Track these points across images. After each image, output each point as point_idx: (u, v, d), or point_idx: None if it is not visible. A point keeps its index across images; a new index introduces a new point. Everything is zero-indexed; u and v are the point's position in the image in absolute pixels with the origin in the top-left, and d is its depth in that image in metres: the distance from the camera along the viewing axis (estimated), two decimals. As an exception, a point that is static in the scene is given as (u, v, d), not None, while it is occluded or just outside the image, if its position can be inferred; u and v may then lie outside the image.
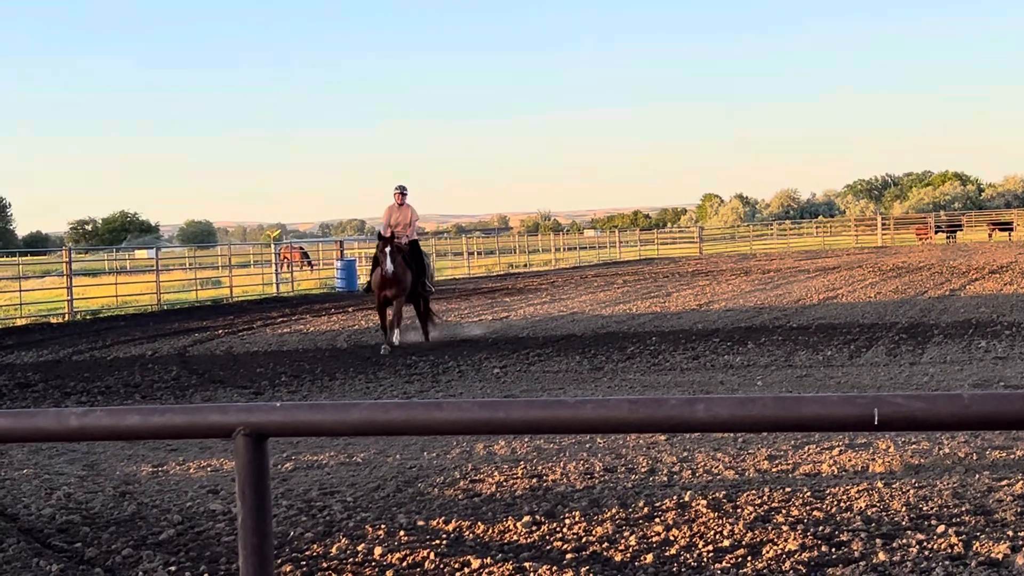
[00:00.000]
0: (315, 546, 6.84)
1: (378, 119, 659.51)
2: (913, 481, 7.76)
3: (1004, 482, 7.58)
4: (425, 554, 6.54)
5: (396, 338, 19.59)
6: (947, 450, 8.71)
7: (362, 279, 39.55)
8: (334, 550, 6.73)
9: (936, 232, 73.53)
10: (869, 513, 6.98)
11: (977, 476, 7.82)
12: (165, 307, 33.78)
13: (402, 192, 20.29)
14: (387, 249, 19.35)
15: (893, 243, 73.00)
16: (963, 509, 6.95)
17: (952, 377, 13.14)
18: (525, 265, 61.62)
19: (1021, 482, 7.53)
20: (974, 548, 6.16)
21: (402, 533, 6.99)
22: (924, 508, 7.03)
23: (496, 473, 8.69)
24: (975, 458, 8.43)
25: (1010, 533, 6.38)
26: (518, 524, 7.11)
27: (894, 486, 7.62)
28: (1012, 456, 8.43)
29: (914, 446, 8.91)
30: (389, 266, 19.18)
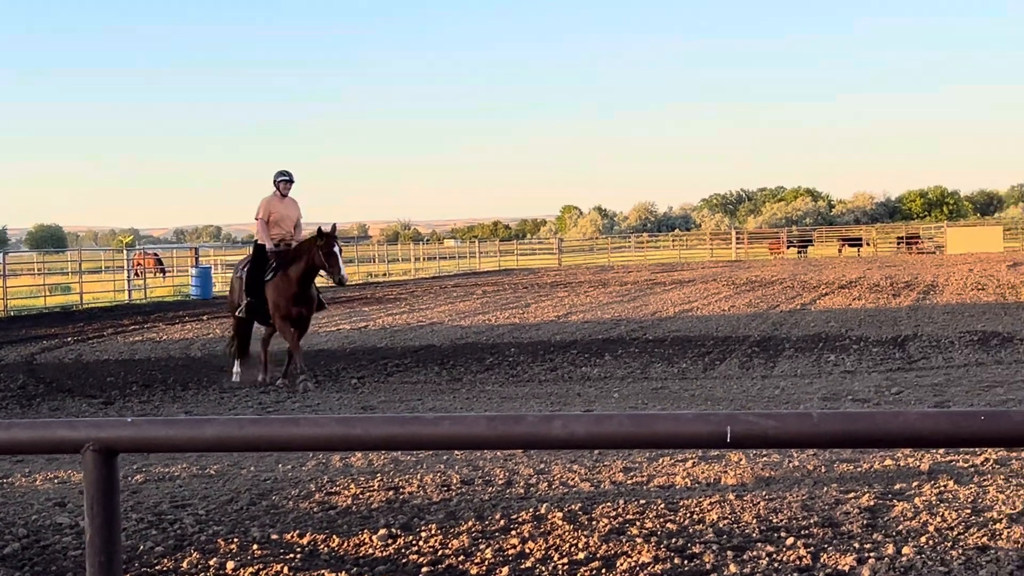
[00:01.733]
0: (166, 561, 6.70)
1: (241, 124, 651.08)
2: (764, 493, 7.90)
3: (851, 494, 7.76)
4: (279, 568, 6.46)
5: (270, 375, 16.16)
6: (797, 463, 8.89)
7: (220, 288, 38.84)
8: (185, 565, 6.60)
9: (788, 247, 75.21)
10: (721, 525, 7.09)
11: (825, 488, 8.00)
12: (12, 313, 32.86)
13: (288, 181, 16.20)
14: (336, 248, 15.43)
15: (747, 257, 74.45)
16: (812, 521, 7.10)
17: (802, 391, 13.43)
18: (384, 274, 61.44)
19: (867, 495, 7.72)
20: (822, 560, 6.29)
21: (255, 547, 6.88)
22: (774, 520, 7.16)
23: (352, 485, 8.62)
24: (823, 471, 8.62)
25: (856, 545, 6.53)
26: (374, 537, 7.05)
27: (745, 498, 7.75)
28: (859, 469, 8.64)
29: (765, 459, 9.08)
30: (344, 274, 15.44)
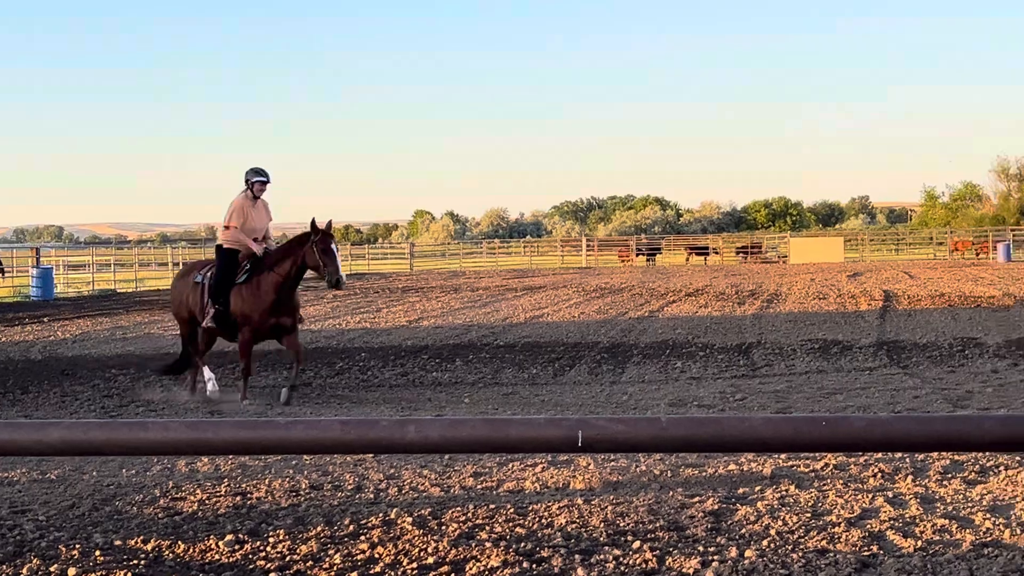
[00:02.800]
0: (5, 567, 6.51)
1: (74, 125, 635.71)
2: (612, 498, 8.01)
3: (696, 499, 7.91)
4: (122, 575, 6.33)
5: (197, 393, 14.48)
6: (644, 468, 9.03)
7: (62, 290, 37.79)
8: (25, 571, 6.42)
9: (637, 255, 76.20)
10: (569, 529, 7.16)
11: (671, 493, 8.13)
12: None
13: (265, 181, 14.23)
14: (334, 246, 13.91)
15: (597, 264, 75.23)
16: (658, 525, 7.22)
17: (650, 396, 13.64)
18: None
19: (712, 499, 7.88)
20: (667, 563, 6.40)
21: (98, 553, 6.73)
22: (621, 524, 7.26)
23: (198, 491, 8.49)
24: (670, 475, 8.77)
25: (701, 548, 6.66)
26: (220, 543, 6.96)
27: (594, 503, 7.85)
28: (704, 474, 8.81)
29: (613, 463, 9.20)
30: (342, 274, 13.83)
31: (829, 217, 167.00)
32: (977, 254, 71.93)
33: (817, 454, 9.04)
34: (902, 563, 6.31)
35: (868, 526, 7.08)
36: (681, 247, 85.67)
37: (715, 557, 6.47)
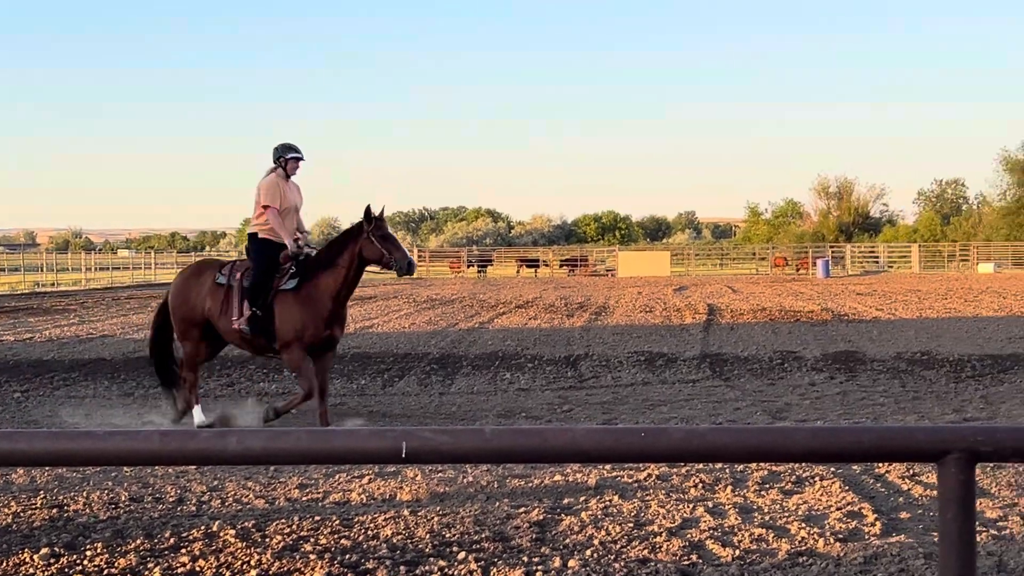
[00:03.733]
0: None
1: None
2: (438, 509, 8.02)
3: (522, 509, 7.98)
4: (-71, 592, 6.10)
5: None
6: (471, 478, 9.06)
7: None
8: None
9: (469, 266, 76.47)
10: (395, 541, 7.15)
11: (498, 503, 8.19)
12: None
13: (300, 158, 12.50)
14: (390, 229, 12.49)
15: (428, 275, 75.22)
16: (483, 536, 7.25)
17: (479, 407, 13.69)
18: (53, 284, 58.81)
19: (538, 509, 7.95)
20: (492, 574, 6.44)
21: (-97, 570, 6.48)
22: (447, 535, 7.27)
23: (13, 503, 8.23)
24: (496, 486, 8.82)
25: (525, 559, 6.72)
26: (35, 557, 6.76)
27: (420, 514, 7.85)
28: (531, 484, 8.88)
29: (440, 474, 9.21)
30: (412, 257, 12.62)
31: (657, 231, 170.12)
32: (797, 269, 74.06)
33: (641, 465, 9.20)
34: (720, 572, 6.47)
35: (688, 536, 7.23)
36: (512, 259, 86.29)
37: (539, 567, 6.54)
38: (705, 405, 13.68)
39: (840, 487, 8.63)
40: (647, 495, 8.47)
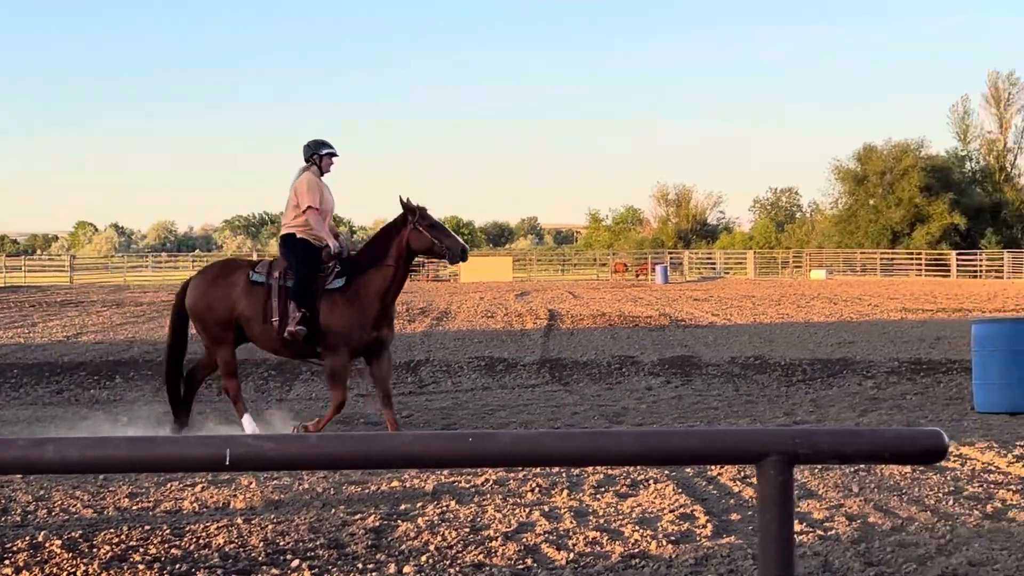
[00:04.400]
0: None
1: None
2: (273, 516, 7.92)
3: (358, 516, 7.92)
4: None
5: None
6: (307, 485, 8.97)
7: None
8: None
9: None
10: (227, 549, 7.04)
11: (333, 510, 8.12)
12: None
13: (336, 155, 12.08)
14: (433, 221, 11.85)
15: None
16: (318, 543, 7.18)
17: (318, 413, 13.53)
18: None
19: (374, 515, 7.91)
20: (326, 581, 6.37)
21: None
22: (281, 543, 7.18)
23: None
24: (333, 493, 8.74)
25: (360, 565, 6.67)
26: None
27: (254, 522, 7.74)
28: (367, 490, 8.83)
29: (276, 481, 9.09)
30: (463, 243, 11.98)
31: (499, 237, 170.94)
32: (637, 275, 75.13)
33: (479, 469, 9.21)
34: (554, 575, 6.51)
35: (524, 540, 7.27)
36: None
37: (374, 574, 6.50)
38: (543, 410, 13.78)
39: (673, 490, 8.77)
40: (484, 500, 8.49)
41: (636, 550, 7.04)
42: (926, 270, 78.98)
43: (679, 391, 15.39)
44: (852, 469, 9.28)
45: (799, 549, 6.90)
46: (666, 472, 9.34)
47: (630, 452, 2.85)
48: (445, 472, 9.26)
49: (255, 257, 77.63)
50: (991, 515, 7.95)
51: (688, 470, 9.40)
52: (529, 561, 6.79)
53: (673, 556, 6.88)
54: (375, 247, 11.80)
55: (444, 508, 8.21)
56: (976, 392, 13.38)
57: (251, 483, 9.01)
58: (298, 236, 11.72)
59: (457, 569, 6.62)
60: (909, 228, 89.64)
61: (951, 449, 10.36)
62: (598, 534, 7.42)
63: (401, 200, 11.64)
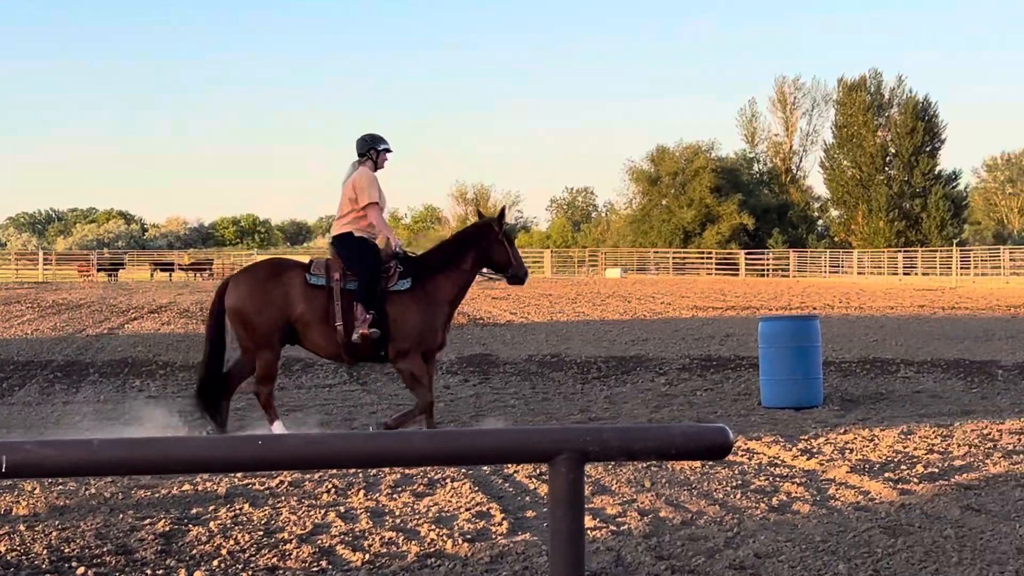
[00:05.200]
0: None
1: None
2: (58, 523, 7.66)
3: (147, 521, 7.72)
4: None
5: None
6: (94, 490, 8.70)
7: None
8: None
9: (99, 270, 73.57)
10: (9, 558, 6.77)
11: (122, 516, 7.89)
12: None
13: (391, 151, 11.89)
14: (511, 237, 12.03)
15: (55, 279, 71.96)
16: (105, 549, 6.97)
17: (105, 416, 13.14)
18: None
19: (164, 520, 7.72)
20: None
21: None
22: (66, 550, 6.95)
23: None
24: (121, 498, 8.50)
25: (149, 571, 6.50)
26: None
27: (37, 528, 7.47)
28: (157, 495, 8.61)
29: (61, 487, 8.80)
30: (526, 266, 12.07)
31: (298, 235, 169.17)
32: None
33: (274, 472, 9.08)
34: (349, 576, 6.46)
35: (319, 542, 7.19)
36: (146, 263, 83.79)
37: (164, 580, 6.34)
38: (340, 410, 13.67)
39: (470, 488, 8.80)
40: (279, 502, 8.37)
41: (432, 549, 7.04)
42: (716, 269, 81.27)
43: (477, 389, 15.47)
44: (644, 465, 9.46)
45: (592, 545, 7.00)
46: (463, 471, 9.36)
47: (420, 452, 2.83)
48: (238, 475, 9.10)
49: (40, 255, 74.95)
50: (776, 508, 8.21)
51: (485, 468, 9.44)
52: (324, 563, 6.72)
53: (469, 554, 6.90)
54: (449, 251, 11.64)
55: (237, 511, 8.07)
56: (763, 388, 13.81)
57: (35, 488, 8.69)
58: (357, 235, 11.37)
59: (250, 573, 6.50)
60: (700, 228, 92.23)
61: (739, 444, 10.67)
62: (394, 534, 7.39)
63: (502, 211, 11.93)
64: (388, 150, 11.72)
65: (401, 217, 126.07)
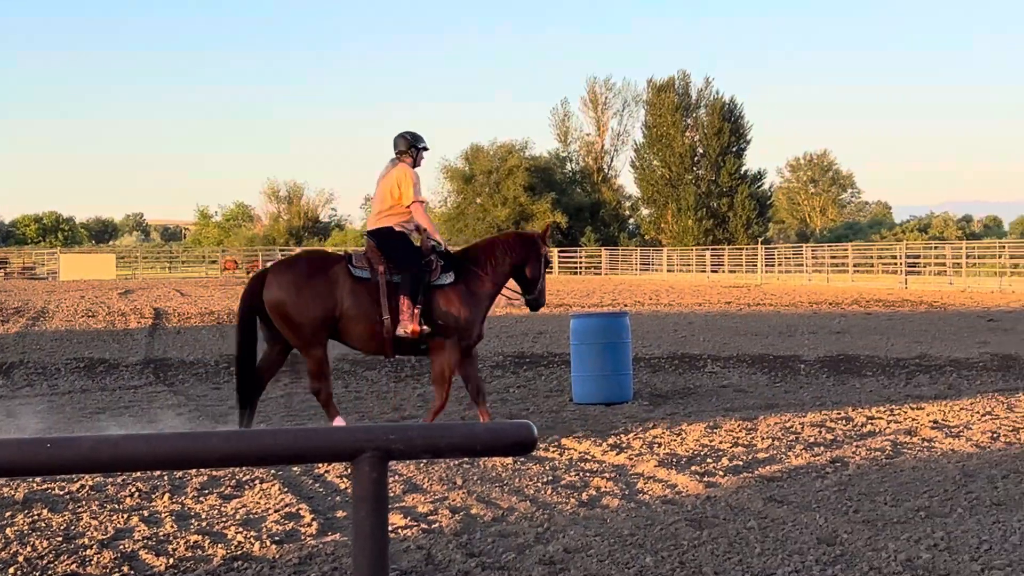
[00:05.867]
0: None
1: None
2: None
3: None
4: None
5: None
6: None
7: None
8: None
9: None
10: None
11: (-90, 525, 7.53)
12: None
13: (427, 150, 11.89)
14: (549, 259, 12.44)
15: None
16: None
17: None
18: None
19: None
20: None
21: None
22: None
23: None
24: (-90, 506, 8.12)
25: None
26: None
27: None
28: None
29: None
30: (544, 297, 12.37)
31: (103, 233, 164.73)
32: (248, 273, 74.17)
33: (74, 476, 8.80)
34: (153, 582, 6.28)
35: (121, 547, 6.99)
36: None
37: (-46, 592, 6.06)
38: (146, 411, 13.32)
39: (280, 489, 8.67)
40: (79, 507, 8.11)
41: (239, 552, 6.90)
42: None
43: (289, 389, 15.24)
44: (457, 462, 9.46)
45: (403, 543, 6.96)
46: (272, 472, 9.22)
47: (219, 453, 2.74)
48: (37, 479, 8.79)
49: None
50: (586, 502, 8.29)
51: (295, 469, 9.31)
52: (126, 568, 6.52)
53: (277, 556, 6.79)
54: (489, 251, 11.68)
55: (35, 517, 7.78)
56: (574, 384, 13.96)
57: None
58: (397, 229, 11.29)
59: (47, 581, 6.27)
60: (515, 226, 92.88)
61: (551, 440, 10.76)
62: (200, 537, 7.22)
63: (547, 228, 12.47)
64: (426, 148, 11.75)
65: (212, 215, 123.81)
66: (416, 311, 10.96)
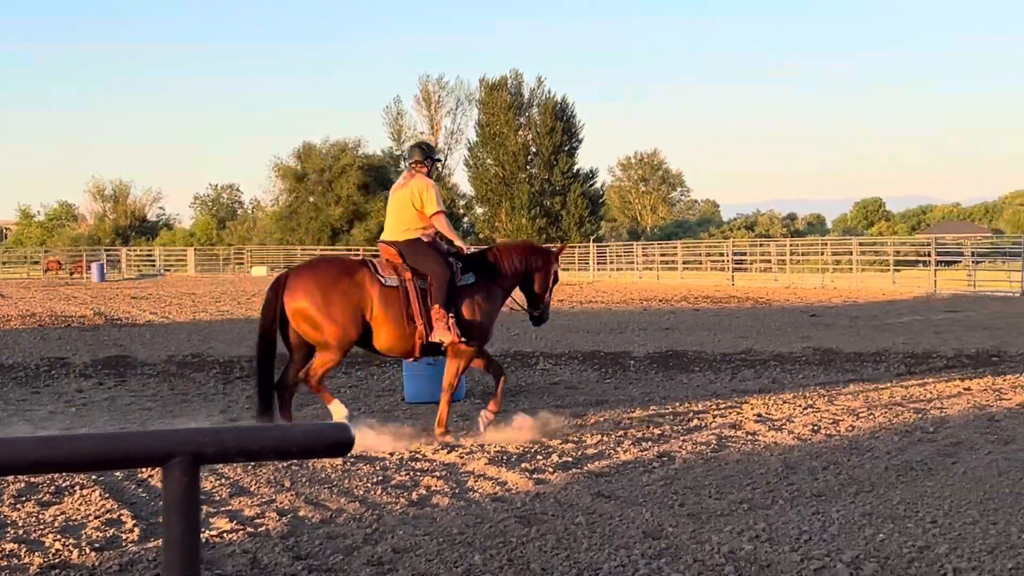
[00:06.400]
0: None
1: None
2: None
3: None
4: None
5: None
6: None
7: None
8: None
9: None
10: None
11: None
12: None
13: (439, 160, 13.00)
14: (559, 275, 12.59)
15: None
16: None
17: None
18: None
19: None
20: None
21: None
22: None
23: None
24: None
25: None
26: None
27: None
28: None
29: None
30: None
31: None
32: (71, 273, 72.22)
33: None
34: (-36, 595, 6.06)
35: (-69, 559, 6.71)
36: None
37: None
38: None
39: (100, 495, 8.45)
40: None
41: (57, 560, 6.70)
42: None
43: (112, 392, 14.87)
44: (285, 464, 9.35)
45: (228, 548, 6.84)
46: (93, 477, 8.98)
47: (25, 460, 2.65)
48: None
49: None
50: (416, 502, 8.27)
51: (118, 474, 9.09)
52: (-65, 582, 6.28)
53: (97, 564, 6.61)
54: (503, 256, 11.77)
55: None
56: (406, 383, 13.93)
57: None
58: (425, 240, 11.40)
59: None
60: (348, 225, 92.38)
61: (380, 439, 10.71)
62: (16, 546, 6.99)
63: (563, 247, 12.70)
64: (439, 160, 12.52)
65: (34, 215, 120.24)
66: (451, 319, 11.12)
